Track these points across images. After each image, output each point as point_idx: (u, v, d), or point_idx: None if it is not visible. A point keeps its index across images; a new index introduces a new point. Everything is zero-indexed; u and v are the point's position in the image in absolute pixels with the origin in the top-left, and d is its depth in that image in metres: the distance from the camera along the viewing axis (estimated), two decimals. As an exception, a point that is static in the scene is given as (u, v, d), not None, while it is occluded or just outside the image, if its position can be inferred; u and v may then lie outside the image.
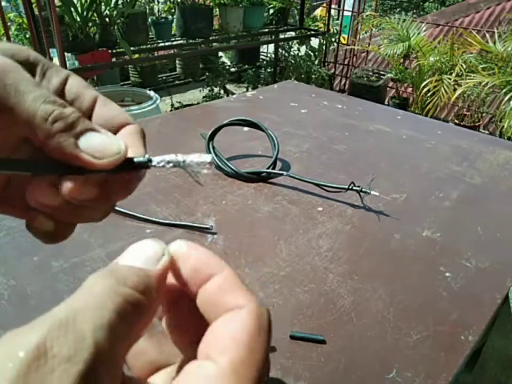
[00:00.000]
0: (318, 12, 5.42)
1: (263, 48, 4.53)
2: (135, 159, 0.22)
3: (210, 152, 0.73)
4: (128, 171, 0.22)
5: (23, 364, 0.11)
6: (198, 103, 2.64)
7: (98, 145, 0.20)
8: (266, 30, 3.52)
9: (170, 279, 0.18)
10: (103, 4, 2.47)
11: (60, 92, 0.23)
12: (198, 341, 0.16)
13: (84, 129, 0.20)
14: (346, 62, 4.01)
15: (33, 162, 0.22)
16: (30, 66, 0.22)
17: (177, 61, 3.90)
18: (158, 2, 3.61)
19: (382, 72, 3.70)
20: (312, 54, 3.87)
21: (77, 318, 0.13)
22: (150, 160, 0.21)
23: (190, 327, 0.19)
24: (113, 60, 2.56)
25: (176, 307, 0.19)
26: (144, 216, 0.59)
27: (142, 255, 0.17)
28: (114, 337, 0.13)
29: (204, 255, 0.19)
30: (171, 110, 3.18)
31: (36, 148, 0.21)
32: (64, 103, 0.21)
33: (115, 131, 0.23)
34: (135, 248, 0.17)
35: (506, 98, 2.58)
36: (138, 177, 0.23)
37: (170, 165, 0.21)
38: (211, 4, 3.10)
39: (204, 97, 3.65)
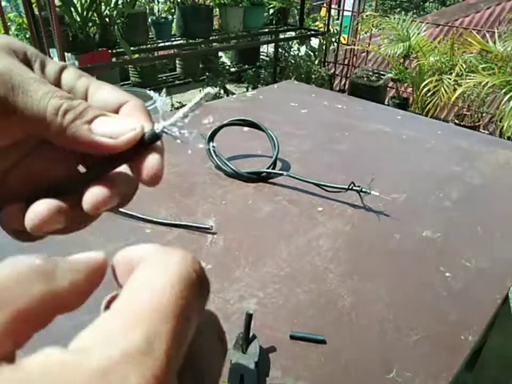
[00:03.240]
0: (323, 12, 5.42)
1: (263, 48, 4.53)
2: (145, 135, 0.20)
3: (210, 153, 0.74)
4: (143, 150, 0.21)
5: None
6: (198, 103, 2.63)
7: (112, 127, 0.20)
8: (266, 30, 3.52)
9: None
10: (103, 3, 2.47)
11: (57, 85, 0.22)
12: None
13: (95, 116, 0.20)
14: (346, 62, 4.01)
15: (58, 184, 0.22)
16: (28, 62, 0.22)
17: (177, 61, 3.90)
18: (158, 2, 3.61)
19: (382, 72, 3.70)
20: (312, 54, 3.87)
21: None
22: (156, 133, 0.20)
23: None
24: (113, 60, 2.56)
25: None
26: (144, 216, 0.59)
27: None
28: None
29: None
30: (171, 110, 3.18)
31: (46, 143, 0.21)
32: (71, 96, 0.21)
33: (116, 112, 0.22)
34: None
35: (506, 98, 2.58)
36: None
37: (179, 123, 0.20)
38: (211, 3, 3.10)
39: (204, 97, 3.64)
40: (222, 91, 3.70)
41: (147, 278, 0.13)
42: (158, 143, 0.21)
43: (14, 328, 0.12)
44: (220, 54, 4.10)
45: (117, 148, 0.20)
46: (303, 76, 3.67)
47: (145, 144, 0.20)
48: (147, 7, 3.12)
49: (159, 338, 0.11)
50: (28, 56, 0.22)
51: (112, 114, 0.21)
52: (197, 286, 0.13)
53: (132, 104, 0.22)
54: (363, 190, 0.63)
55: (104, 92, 0.23)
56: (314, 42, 3.97)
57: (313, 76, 3.69)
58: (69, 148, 0.21)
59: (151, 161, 0.20)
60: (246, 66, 4.11)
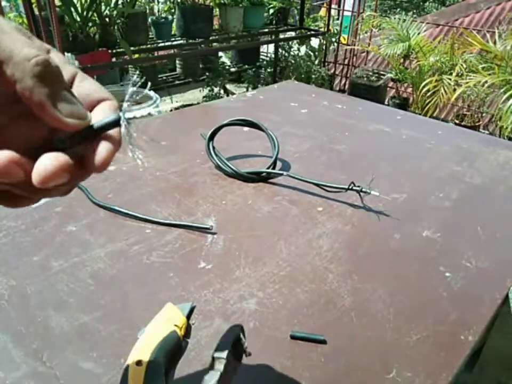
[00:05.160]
0: (322, 12, 5.42)
1: (263, 48, 4.53)
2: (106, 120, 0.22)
3: (210, 153, 0.73)
4: (99, 135, 0.22)
5: None
6: (198, 103, 2.64)
7: (69, 106, 0.21)
8: (266, 30, 3.52)
9: None
10: (103, 3, 2.47)
11: None
12: None
13: (62, 87, 0.21)
14: (346, 62, 4.02)
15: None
16: None
17: (177, 61, 3.90)
18: (158, 2, 3.61)
19: (382, 72, 3.70)
20: (312, 54, 3.87)
21: None
22: (115, 120, 0.22)
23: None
24: (113, 60, 2.56)
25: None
26: (144, 216, 0.59)
27: None
28: None
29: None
30: (171, 110, 3.18)
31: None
32: (50, 56, 0.21)
33: (92, 106, 0.24)
34: None
35: (504, 97, 2.58)
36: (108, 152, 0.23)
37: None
38: (211, 4, 3.10)
39: (204, 97, 3.64)
40: (222, 91, 3.70)
41: None
42: (115, 134, 0.23)
43: None
44: (220, 54, 4.10)
45: (64, 126, 0.21)
46: (303, 76, 3.67)
47: (102, 129, 0.22)
48: (147, 7, 3.12)
49: None
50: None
51: (76, 97, 0.22)
52: None
53: (108, 104, 0.24)
54: (363, 190, 0.63)
55: (88, 85, 0.24)
56: (314, 42, 3.97)
57: (313, 76, 3.69)
58: (22, 98, 0.20)
59: (101, 150, 0.22)
60: (246, 66, 4.11)
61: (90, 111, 0.23)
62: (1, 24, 0.20)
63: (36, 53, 0.20)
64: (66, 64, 0.24)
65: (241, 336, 0.34)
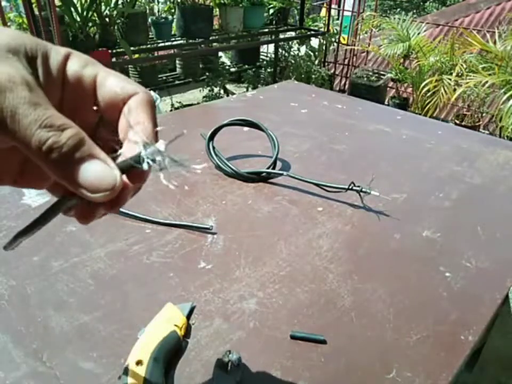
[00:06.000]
0: (323, 12, 5.42)
1: (263, 48, 4.53)
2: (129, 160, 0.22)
3: (210, 153, 0.73)
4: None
5: None
6: (198, 103, 2.64)
7: (93, 178, 0.20)
8: (266, 30, 3.52)
9: None
10: (103, 3, 2.47)
11: (62, 76, 0.22)
12: None
13: (80, 158, 0.20)
14: (346, 62, 4.02)
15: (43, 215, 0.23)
16: (29, 58, 0.21)
17: (177, 61, 3.90)
18: (158, 2, 3.61)
19: (382, 72, 3.70)
20: (312, 54, 3.88)
21: None
22: (136, 164, 0.22)
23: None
24: (113, 60, 2.56)
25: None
26: (144, 216, 0.59)
27: None
28: None
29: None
30: (171, 110, 3.18)
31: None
32: (63, 124, 0.20)
33: (123, 103, 0.23)
34: None
35: (505, 97, 2.58)
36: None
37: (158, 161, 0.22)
38: (211, 4, 3.10)
39: (204, 97, 3.65)
40: (222, 91, 3.70)
41: None
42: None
43: None
44: (220, 54, 4.11)
45: (93, 200, 0.21)
46: (303, 76, 3.67)
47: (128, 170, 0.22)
48: (147, 7, 3.12)
49: None
50: (27, 54, 0.21)
51: (101, 154, 0.21)
52: None
53: (139, 100, 0.23)
54: (363, 190, 0.63)
55: (112, 83, 0.23)
56: (314, 42, 3.98)
57: (313, 76, 3.69)
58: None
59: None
60: (246, 66, 4.12)
61: (123, 105, 0.23)
62: (3, 86, 0.19)
63: (46, 136, 0.19)
64: (85, 67, 0.23)
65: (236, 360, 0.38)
